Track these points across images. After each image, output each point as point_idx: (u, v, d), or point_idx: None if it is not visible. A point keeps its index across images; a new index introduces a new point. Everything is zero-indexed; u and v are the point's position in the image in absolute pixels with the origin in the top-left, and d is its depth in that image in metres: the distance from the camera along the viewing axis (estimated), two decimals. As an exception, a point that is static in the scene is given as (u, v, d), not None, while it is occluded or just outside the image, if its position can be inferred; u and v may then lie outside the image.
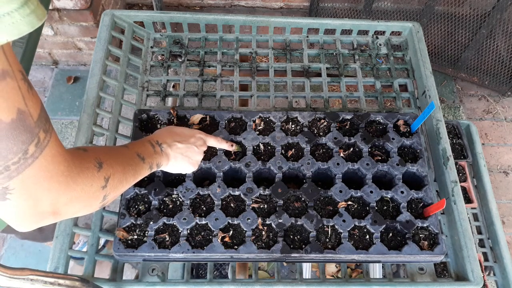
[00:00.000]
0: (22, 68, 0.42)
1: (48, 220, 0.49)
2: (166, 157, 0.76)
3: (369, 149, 0.93)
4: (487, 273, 1.31)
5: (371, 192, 0.87)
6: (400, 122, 0.97)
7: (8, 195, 0.43)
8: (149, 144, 0.73)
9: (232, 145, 0.90)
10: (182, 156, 0.78)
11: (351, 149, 0.94)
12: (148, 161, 0.69)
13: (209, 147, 0.89)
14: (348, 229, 0.83)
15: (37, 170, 0.44)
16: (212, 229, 0.82)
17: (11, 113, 0.39)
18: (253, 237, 0.82)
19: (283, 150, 0.92)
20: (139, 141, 0.73)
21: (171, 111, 0.94)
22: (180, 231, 0.82)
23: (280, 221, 0.83)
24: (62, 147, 0.48)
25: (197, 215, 0.84)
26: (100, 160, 0.54)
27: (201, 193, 0.86)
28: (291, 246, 0.82)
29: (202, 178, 0.92)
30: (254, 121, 0.95)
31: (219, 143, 0.88)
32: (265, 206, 0.86)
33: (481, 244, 1.36)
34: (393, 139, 0.94)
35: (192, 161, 0.81)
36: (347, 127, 0.97)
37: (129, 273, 1.59)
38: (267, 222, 0.83)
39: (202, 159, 0.89)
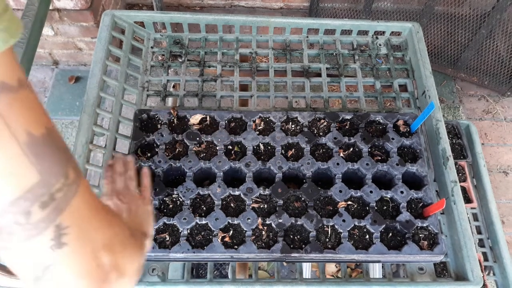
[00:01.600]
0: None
1: (113, 283, 0.37)
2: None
3: (369, 149, 0.93)
4: (486, 273, 1.31)
5: (371, 192, 0.87)
6: (400, 122, 0.97)
7: (64, 237, 0.31)
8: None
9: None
10: (126, 214, 0.60)
11: (351, 149, 0.94)
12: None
13: (209, 147, 0.89)
14: (348, 229, 0.83)
15: (82, 200, 0.34)
16: (212, 229, 0.82)
17: (39, 127, 0.32)
18: (253, 237, 0.82)
19: (283, 150, 0.92)
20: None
21: (171, 111, 0.95)
22: (180, 231, 0.82)
23: (280, 221, 0.83)
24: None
25: (197, 215, 0.84)
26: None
27: (201, 193, 0.86)
28: (291, 246, 0.82)
29: (202, 178, 0.92)
30: (254, 121, 0.95)
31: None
32: (265, 206, 0.86)
33: (481, 244, 1.36)
34: (392, 139, 0.94)
35: (123, 203, 0.62)
36: (347, 127, 0.97)
37: (129, 273, 1.59)
38: (267, 222, 0.83)
39: (202, 159, 0.89)
